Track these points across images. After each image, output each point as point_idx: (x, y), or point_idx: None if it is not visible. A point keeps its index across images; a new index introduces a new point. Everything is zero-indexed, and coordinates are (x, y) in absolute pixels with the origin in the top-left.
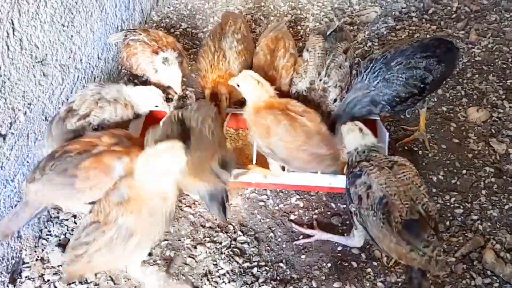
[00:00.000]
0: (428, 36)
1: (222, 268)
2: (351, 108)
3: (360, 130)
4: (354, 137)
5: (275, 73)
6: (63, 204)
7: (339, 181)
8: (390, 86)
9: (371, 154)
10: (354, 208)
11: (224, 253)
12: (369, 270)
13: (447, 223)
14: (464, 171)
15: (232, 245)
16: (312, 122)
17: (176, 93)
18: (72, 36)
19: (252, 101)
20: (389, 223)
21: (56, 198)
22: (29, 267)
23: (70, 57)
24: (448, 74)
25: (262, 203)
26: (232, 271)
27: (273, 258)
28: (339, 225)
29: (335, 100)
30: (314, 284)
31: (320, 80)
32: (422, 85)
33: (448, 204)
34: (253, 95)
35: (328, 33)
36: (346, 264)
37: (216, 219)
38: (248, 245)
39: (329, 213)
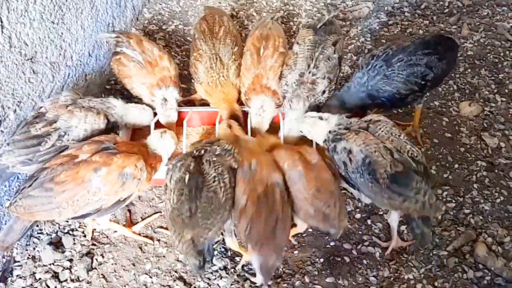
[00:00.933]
0: (421, 31)
1: (214, 265)
2: (347, 98)
3: (320, 118)
4: (321, 128)
5: (263, 72)
6: (46, 219)
7: None
8: (391, 83)
9: (346, 124)
10: (343, 172)
11: (217, 249)
12: (361, 264)
13: (439, 217)
14: (456, 165)
15: (224, 241)
16: (325, 176)
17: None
18: (62, 33)
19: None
20: (377, 181)
21: (38, 214)
22: (21, 265)
23: (60, 54)
24: (448, 71)
25: None
26: (224, 267)
27: None
28: None
29: (323, 92)
30: (307, 279)
31: (309, 72)
32: (423, 82)
33: (440, 198)
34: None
35: (318, 26)
36: (339, 259)
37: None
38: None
39: None
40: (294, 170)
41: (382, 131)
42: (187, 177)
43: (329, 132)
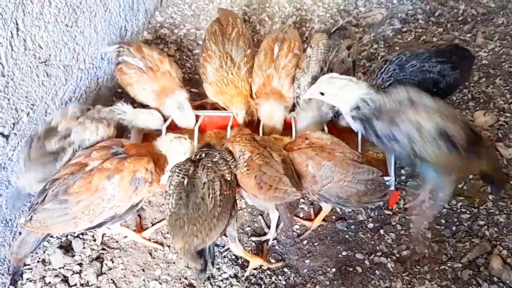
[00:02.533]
0: (435, 38)
1: (225, 272)
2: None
3: (351, 80)
4: (352, 92)
5: (275, 72)
6: (62, 231)
7: None
8: None
9: (380, 99)
10: (405, 152)
11: (227, 256)
12: (374, 275)
13: (454, 228)
14: (471, 176)
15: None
16: (347, 151)
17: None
18: (75, 36)
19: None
20: (456, 148)
21: (53, 227)
22: (30, 269)
23: (73, 57)
24: (462, 81)
25: None
26: (235, 275)
27: (276, 262)
28: (345, 229)
29: None
30: None
31: (323, 75)
32: (434, 90)
33: (455, 209)
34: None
35: (332, 31)
36: (351, 269)
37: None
38: (251, 249)
39: (333, 217)
40: (320, 169)
41: (433, 103)
42: (185, 181)
43: (363, 100)
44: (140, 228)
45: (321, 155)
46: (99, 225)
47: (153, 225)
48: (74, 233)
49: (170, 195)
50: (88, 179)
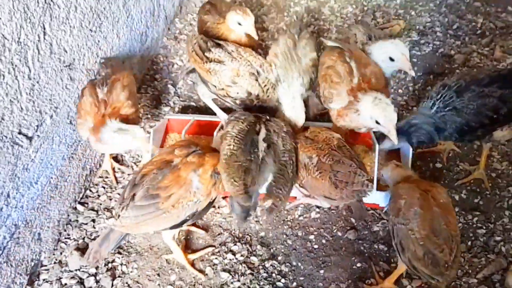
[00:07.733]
0: (452, 51)
1: (238, 280)
2: (412, 132)
3: None
4: None
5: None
6: (149, 229)
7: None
8: (460, 115)
9: None
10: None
11: (241, 264)
12: None
13: (469, 243)
14: (487, 191)
15: (249, 257)
16: (449, 219)
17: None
18: (99, 41)
19: None
20: None
21: (144, 223)
22: (47, 269)
23: (96, 62)
24: None
25: (281, 215)
26: (250, 283)
27: (291, 272)
28: (360, 241)
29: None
30: None
31: None
32: (495, 116)
33: (471, 223)
34: None
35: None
36: (366, 280)
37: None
38: (266, 258)
39: (348, 228)
40: (411, 209)
41: None
42: (247, 130)
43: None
44: (185, 247)
45: (419, 201)
46: (180, 224)
47: (201, 249)
48: (91, 235)
49: (232, 137)
50: (176, 173)
